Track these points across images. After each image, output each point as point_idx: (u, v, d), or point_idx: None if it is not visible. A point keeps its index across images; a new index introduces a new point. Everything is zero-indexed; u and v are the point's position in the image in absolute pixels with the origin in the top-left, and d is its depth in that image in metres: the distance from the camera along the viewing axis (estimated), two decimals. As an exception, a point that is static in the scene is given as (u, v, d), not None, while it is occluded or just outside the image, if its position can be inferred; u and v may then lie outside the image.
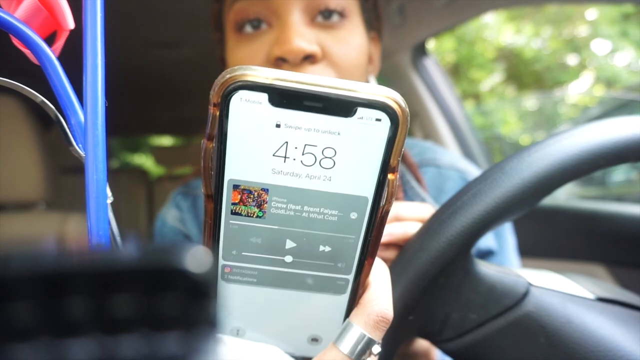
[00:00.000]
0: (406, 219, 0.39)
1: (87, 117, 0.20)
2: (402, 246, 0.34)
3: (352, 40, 0.48)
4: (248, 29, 0.48)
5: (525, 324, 0.30)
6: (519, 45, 5.85)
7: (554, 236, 1.07)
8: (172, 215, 0.63)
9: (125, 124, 2.97)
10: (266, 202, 0.22)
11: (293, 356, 0.27)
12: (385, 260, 0.39)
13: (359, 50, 0.48)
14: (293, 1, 0.45)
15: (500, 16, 5.56)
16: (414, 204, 0.43)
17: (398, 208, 0.40)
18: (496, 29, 5.80)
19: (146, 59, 1.68)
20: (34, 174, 1.03)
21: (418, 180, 0.55)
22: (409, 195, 0.55)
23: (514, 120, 5.94)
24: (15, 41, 0.22)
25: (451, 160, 0.58)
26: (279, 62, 0.45)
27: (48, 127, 1.23)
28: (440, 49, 5.64)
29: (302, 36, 0.44)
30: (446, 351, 0.33)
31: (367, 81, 0.53)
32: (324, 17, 0.47)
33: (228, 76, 0.21)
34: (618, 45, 5.62)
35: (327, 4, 0.46)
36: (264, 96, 0.20)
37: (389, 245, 0.38)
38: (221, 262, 0.24)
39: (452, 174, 0.56)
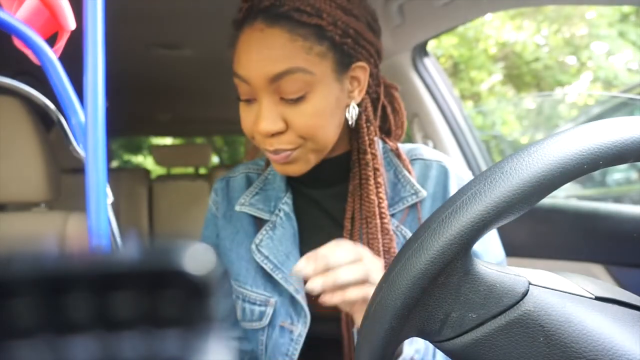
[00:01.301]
0: (335, 266, 0.50)
1: (88, 117, 0.20)
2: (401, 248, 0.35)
3: (313, 111, 0.59)
4: (243, 99, 0.62)
5: (524, 323, 0.30)
6: (519, 42, 5.84)
7: (553, 236, 1.07)
8: (211, 199, 0.78)
9: (125, 124, 2.97)
10: None
11: None
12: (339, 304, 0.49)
13: (322, 114, 0.59)
14: (262, 90, 0.59)
15: (500, 14, 5.56)
16: (343, 247, 0.52)
17: (327, 257, 0.50)
18: (497, 27, 5.79)
19: (146, 60, 1.69)
20: (36, 174, 1.03)
21: (409, 171, 0.68)
22: (401, 182, 0.68)
23: (513, 120, 5.94)
24: (17, 42, 0.22)
25: (434, 155, 0.71)
26: (257, 135, 0.61)
27: (49, 128, 1.23)
28: (441, 46, 5.64)
29: (268, 118, 0.58)
30: (446, 350, 0.33)
31: (347, 107, 0.64)
32: (289, 98, 0.59)
33: None
34: (617, 45, 5.62)
35: (286, 92, 0.58)
36: None
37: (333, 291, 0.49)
38: None
39: (434, 164, 0.69)
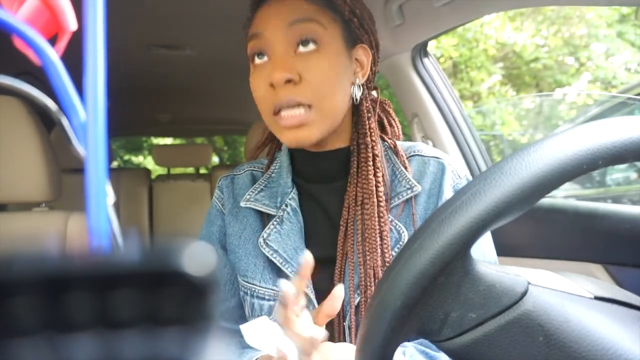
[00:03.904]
0: None
1: (88, 117, 0.20)
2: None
3: (324, 66, 0.63)
4: (257, 60, 0.66)
5: (524, 322, 0.30)
6: (518, 42, 5.84)
7: (552, 236, 1.07)
8: (215, 196, 0.78)
9: (126, 124, 2.97)
10: None
11: None
12: None
13: (331, 73, 0.64)
14: (278, 40, 0.63)
15: (500, 14, 5.55)
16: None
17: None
18: (496, 27, 5.78)
19: (147, 60, 1.68)
20: (37, 174, 1.03)
21: (405, 167, 0.69)
22: (398, 178, 0.69)
23: (513, 120, 5.93)
24: (17, 42, 0.22)
25: (432, 152, 0.72)
26: (271, 86, 0.63)
27: (49, 128, 1.23)
28: (440, 46, 5.63)
29: (283, 67, 0.62)
30: (446, 350, 0.33)
31: (352, 85, 0.68)
32: (303, 45, 0.63)
33: None
34: (616, 45, 5.61)
35: (301, 34, 0.63)
36: None
37: None
38: None
39: (432, 161, 0.70)
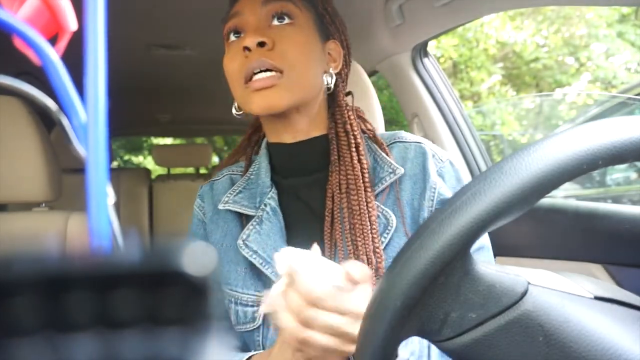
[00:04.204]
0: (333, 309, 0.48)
1: (88, 117, 0.20)
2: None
3: (296, 38, 0.65)
4: (232, 37, 0.68)
5: (524, 322, 0.30)
6: (518, 42, 5.83)
7: (552, 236, 1.07)
8: (196, 205, 0.77)
9: (126, 124, 2.97)
10: None
11: None
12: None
13: (303, 46, 0.65)
14: (254, 15, 0.66)
15: (500, 14, 5.55)
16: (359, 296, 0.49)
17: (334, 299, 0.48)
18: (496, 27, 5.78)
19: (147, 60, 1.68)
20: (37, 174, 1.03)
21: (386, 153, 0.70)
22: (380, 164, 0.69)
23: (513, 120, 5.93)
24: (18, 42, 0.22)
25: (413, 137, 0.72)
26: (245, 50, 0.63)
27: (50, 128, 1.23)
28: (440, 46, 5.63)
29: (257, 32, 0.64)
30: (445, 350, 0.33)
31: (325, 73, 0.69)
32: (278, 20, 0.66)
33: None
34: (616, 45, 5.61)
35: (276, 9, 0.65)
36: None
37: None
38: None
39: (412, 146, 0.70)
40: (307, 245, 0.65)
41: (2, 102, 1.02)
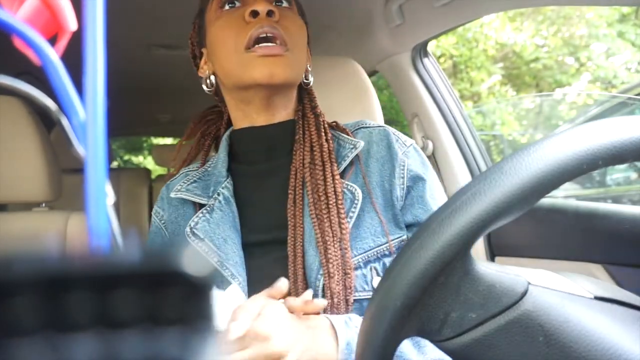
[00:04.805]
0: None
1: (88, 117, 0.20)
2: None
3: (297, 22, 0.68)
4: (226, 7, 0.67)
5: (524, 322, 0.30)
6: (518, 42, 5.84)
7: (552, 236, 1.07)
8: (154, 212, 0.75)
9: (126, 124, 2.97)
10: None
11: None
12: None
13: (302, 30, 0.68)
14: None
15: (500, 14, 5.55)
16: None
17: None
18: (496, 27, 5.78)
19: (147, 60, 1.68)
20: (37, 174, 1.03)
21: (347, 134, 0.71)
22: (341, 144, 0.69)
23: (513, 120, 5.93)
24: (17, 42, 0.22)
25: (376, 123, 0.74)
26: (251, 16, 0.63)
27: (49, 128, 1.23)
28: (440, 46, 5.63)
29: (268, 0, 0.64)
30: (445, 350, 0.33)
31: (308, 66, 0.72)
32: (277, 2, 0.67)
33: None
34: (616, 45, 5.61)
35: None
36: None
37: None
38: None
39: (376, 130, 0.72)
40: (271, 231, 0.66)
41: (2, 102, 1.02)
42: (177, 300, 0.13)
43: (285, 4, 0.68)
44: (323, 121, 0.70)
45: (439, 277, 0.30)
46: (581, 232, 1.00)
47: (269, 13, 0.63)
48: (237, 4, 0.67)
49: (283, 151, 0.70)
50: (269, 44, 0.62)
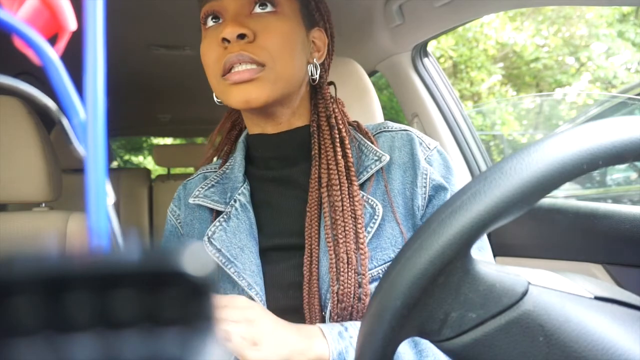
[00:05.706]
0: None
1: (88, 117, 0.20)
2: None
3: (280, 28, 0.61)
4: (210, 22, 0.64)
5: (524, 322, 0.30)
6: (518, 42, 5.84)
7: (552, 236, 1.07)
8: (170, 210, 0.74)
9: (126, 124, 2.97)
10: None
11: None
12: None
13: (287, 37, 0.62)
14: (233, 2, 0.61)
15: (500, 14, 5.55)
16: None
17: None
18: (496, 27, 5.78)
19: (147, 60, 1.68)
20: (37, 174, 1.03)
21: (372, 141, 0.68)
22: (364, 153, 0.67)
23: (513, 120, 5.93)
24: (17, 42, 0.22)
25: (399, 126, 0.70)
26: (224, 42, 0.60)
27: (49, 128, 1.23)
28: (440, 46, 5.63)
29: (237, 23, 0.59)
30: (445, 350, 0.33)
31: (309, 64, 0.67)
32: (260, 7, 0.61)
33: None
34: (616, 45, 5.61)
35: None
36: None
37: None
38: None
39: (399, 134, 0.68)
40: (286, 237, 0.65)
41: (2, 102, 1.02)
42: (177, 300, 0.13)
43: (269, 8, 0.62)
44: (340, 130, 0.66)
45: (439, 277, 0.30)
46: (581, 232, 0.99)
47: (240, 36, 0.59)
48: (220, 20, 0.63)
49: (298, 159, 0.68)
50: (241, 68, 0.60)
